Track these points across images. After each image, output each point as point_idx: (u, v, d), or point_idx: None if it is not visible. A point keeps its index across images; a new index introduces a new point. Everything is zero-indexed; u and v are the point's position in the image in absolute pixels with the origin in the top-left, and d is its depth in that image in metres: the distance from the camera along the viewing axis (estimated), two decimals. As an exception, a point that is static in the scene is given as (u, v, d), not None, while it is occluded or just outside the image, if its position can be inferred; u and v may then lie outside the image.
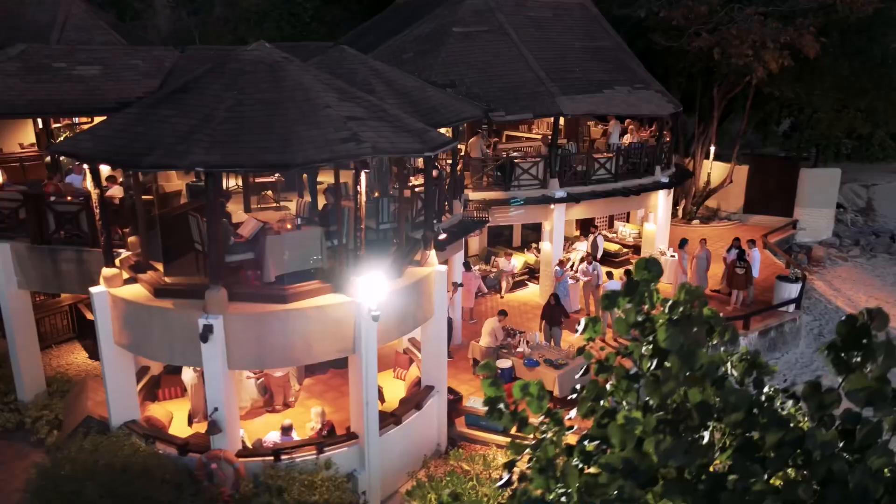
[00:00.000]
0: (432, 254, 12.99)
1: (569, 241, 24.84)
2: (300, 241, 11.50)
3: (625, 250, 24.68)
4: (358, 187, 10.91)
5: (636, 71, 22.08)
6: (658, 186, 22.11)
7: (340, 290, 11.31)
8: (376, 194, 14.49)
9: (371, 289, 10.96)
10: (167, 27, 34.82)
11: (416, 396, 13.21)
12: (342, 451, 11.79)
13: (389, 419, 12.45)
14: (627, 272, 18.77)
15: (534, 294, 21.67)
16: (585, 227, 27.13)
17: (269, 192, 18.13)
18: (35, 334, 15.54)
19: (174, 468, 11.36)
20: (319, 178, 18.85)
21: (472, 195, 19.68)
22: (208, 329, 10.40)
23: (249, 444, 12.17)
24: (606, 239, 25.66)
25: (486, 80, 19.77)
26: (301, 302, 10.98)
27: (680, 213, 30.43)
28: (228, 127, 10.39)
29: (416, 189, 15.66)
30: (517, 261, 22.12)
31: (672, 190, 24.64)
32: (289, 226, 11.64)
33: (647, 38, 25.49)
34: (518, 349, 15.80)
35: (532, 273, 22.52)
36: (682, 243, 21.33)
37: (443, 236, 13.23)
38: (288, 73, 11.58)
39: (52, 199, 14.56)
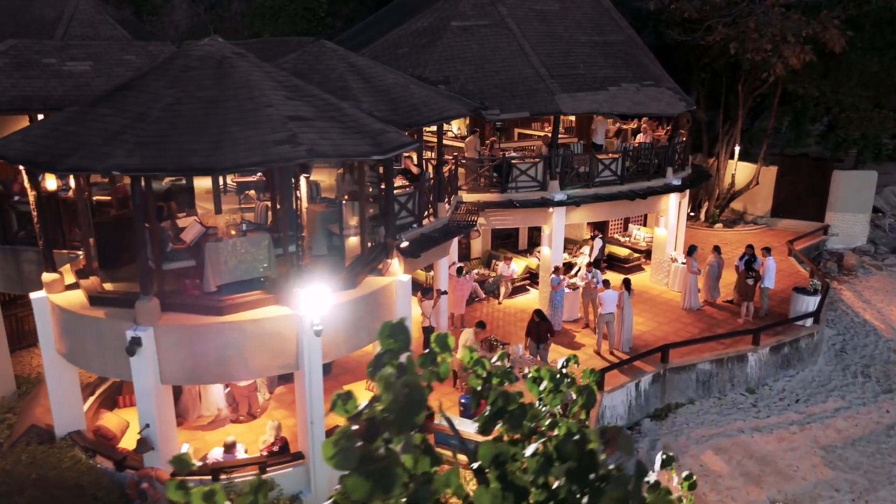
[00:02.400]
0: (394, 263, 12.19)
1: (577, 245, 23.78)
2: (244, 249, 10.82)
3: (636, 255, 23.49)
4: (297, 192, 10.17)
5: (647, 67, 20.86)
6: (669, 189, 20.87)
7: (284, 301, 10.60)
8: (346, 198, 13.76)
9: (314, 301, 10.22)
10: (185, 23, 34.67)
11: (376, 413, 12.42)
12: (287, 472, 11.10)
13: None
14: (626, 282, 17.69)
15: (533, 301, 20.67)
16: (600, 229, 26.02)
17: (252, 193, 17.56)
18: (3, 334, 15.26)
19: (109, 484, 10.83)
20: (313, 178, 18.21)
21: (468, 197, 18.84)
22: (135, 342, 9.81)
23: (194, 461, 11.56)
24: (618, 243, 24.55)
25: (483, 77, 18.86)
26: (237, 314, 10.30)
27: (702, 216, 29.01)
28: (159, 127, 9.76)
29: (393, 191, 14.90)
30: (516, 265, 21.15)
31: (687, 192, 23.37)
32: (233, 232, 10.97)
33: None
34: (497, 363, 14.86)
35: (534, 278, 21.55)
36: (691, 250, 20.11)
37: (404, 244, 12.42)
38: (235, 70, 10.91)
39: (17, 198, 14.24)
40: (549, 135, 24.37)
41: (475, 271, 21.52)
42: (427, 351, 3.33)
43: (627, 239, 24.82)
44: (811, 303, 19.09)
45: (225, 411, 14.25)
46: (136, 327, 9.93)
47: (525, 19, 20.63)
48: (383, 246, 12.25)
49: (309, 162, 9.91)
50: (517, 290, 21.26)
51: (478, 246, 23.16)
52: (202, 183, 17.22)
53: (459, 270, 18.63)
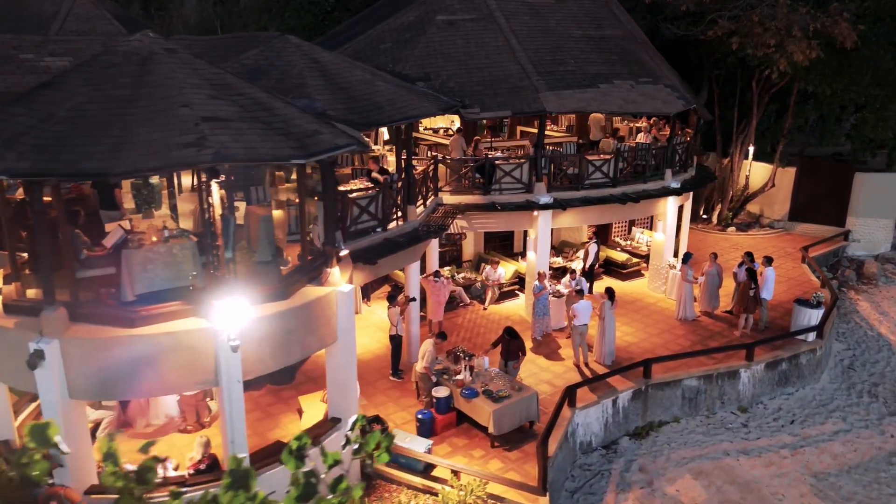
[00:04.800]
0: (335, 271, 11.50)
1: (573, 249, 22.81)
2: (165, 256, 10.25)
3: (635, 260, 22.40)
4: (210, 199, 9.54)
5: (646, 63, 19.74)
6: (666, 192, 19.76)
7: (203, 314, 9.99)
8: (296, 201, 13.11)
9: (231, 314, 9.59)
10: (193, 18, 34.48)
11: (313, 430, 11.79)
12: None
13: (273, 457, 11.09)
14: (608, 290, 16.75)
15: (519, 307, 19.81)
16: (602, 233, 24.98)
17: (222, 192, 17.02)
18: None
19: (26, 498, 10.37)
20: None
21: (451, 198, 18.07)
22: (38, 355, 9.31)
23: (117, 476, 11.07)
24: (618, 247, 23.50)
25: (465, 73, 18.02)
26: (150, 327, 9.72)
27: (714, 218, 27.70)
28: (62, 128, 9.22)
29: (352, 195, 14.22)
30: (504, 269, 20.29)
31: (690, 195, 22.21)
32: (154, 238, 10.40)
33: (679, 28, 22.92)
34: (458, 376, 14.11)
35: (523, 283, 20.64)
36: (686, 257, 18.98)
37: (344, 252, 11.69)
38: (159, 68, 10.32)
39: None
40: (563, 132, 23.51)
41: (461, 275, 20.76)
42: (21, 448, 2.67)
43: (629, 243, 23.74)
44: (814, 316, 17.83)
45: (177, 420, 13.80)
46: (40, 339, 9.44)
47: (515, 13, 19.71)
48: (323, 254, 11.58)
49: (219, 166, 9.27)
50: (505, 296, 20.40)
51: (470, 248, 22.37)
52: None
53: (437, 274, 17.89)
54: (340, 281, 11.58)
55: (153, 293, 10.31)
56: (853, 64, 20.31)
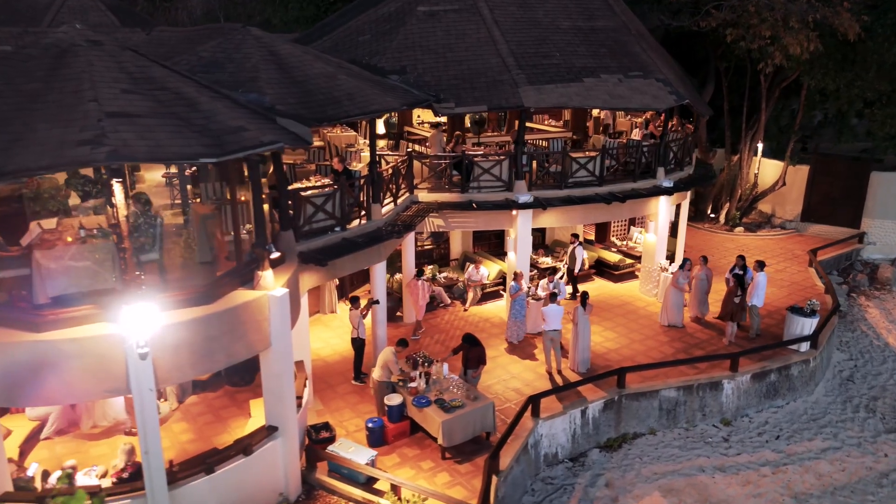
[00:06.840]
0: (267, 275, 10.97)
1: (563, 249, 21.99)
2: (79, 258, 9.83)
3: (628, 261, 21.49)
4: (113, 199, 9.08)
5: (637, 56, 18.78)
6: (658, 192, 18.83)
7: (115, 319, 9.55)
8: (243, 199, 12.63)
9: (140, 319, 9.14)
10: (199, 9, 34.29)
11: (245, 439, 11.32)
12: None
13: (197, 467, 10.64)
14: (584, 294, 15.98)
15: (501, 309, 19.11)
16: (601, 232, 24.15)
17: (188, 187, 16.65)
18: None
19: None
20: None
21: (427, 196, 17.45)
22: (-63, 359, 8.99)
23: (38, 483, 10.76)
24: (613, 247, 22.63)
25: (443, 66, 17.32)
26: (57, 332, 9.32)
27: (722, 218, 26.56)
28: (-38, 125, 8.85)
29: (304, 193, 13.70)
30: (486, 269, 19.59)
31: (687, 194, 21.22)
32: (69, 238, 10.00)
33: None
34: (413, 383, 13.51)
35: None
36: (683, 264, 18.01)
37: (276, 255, 11.15)
38: (77, 61, 9.90)
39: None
40: (560, 127, 22.69)
41: (443, 275, 20.14)
42: None
43: (625, 243, 22.84)
44: (807, 325, 16.80)
45: (123, 421, 13.47)
46: (-58, 343, 9.12)
47: (501, 3, 18.90)
48: (254, 256, 11.06)
49: (119, 165, 8.80)
50: (489, 296, 19.71)
51: (458, 247, 21.73)
52: (151, 175, 16.49)
53: (419, 274, 17.36)
54: (274, 284, 11.06)
55: (69, 296, 9.91)
56: (857, 57, 19.03)
